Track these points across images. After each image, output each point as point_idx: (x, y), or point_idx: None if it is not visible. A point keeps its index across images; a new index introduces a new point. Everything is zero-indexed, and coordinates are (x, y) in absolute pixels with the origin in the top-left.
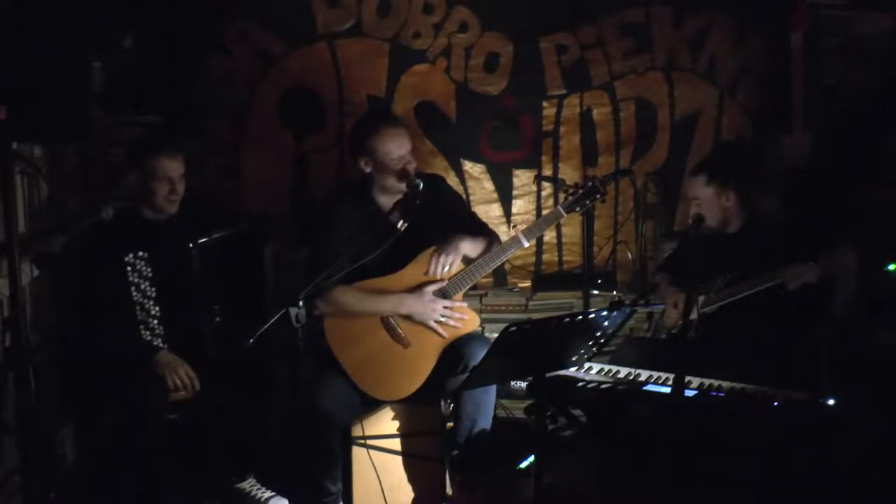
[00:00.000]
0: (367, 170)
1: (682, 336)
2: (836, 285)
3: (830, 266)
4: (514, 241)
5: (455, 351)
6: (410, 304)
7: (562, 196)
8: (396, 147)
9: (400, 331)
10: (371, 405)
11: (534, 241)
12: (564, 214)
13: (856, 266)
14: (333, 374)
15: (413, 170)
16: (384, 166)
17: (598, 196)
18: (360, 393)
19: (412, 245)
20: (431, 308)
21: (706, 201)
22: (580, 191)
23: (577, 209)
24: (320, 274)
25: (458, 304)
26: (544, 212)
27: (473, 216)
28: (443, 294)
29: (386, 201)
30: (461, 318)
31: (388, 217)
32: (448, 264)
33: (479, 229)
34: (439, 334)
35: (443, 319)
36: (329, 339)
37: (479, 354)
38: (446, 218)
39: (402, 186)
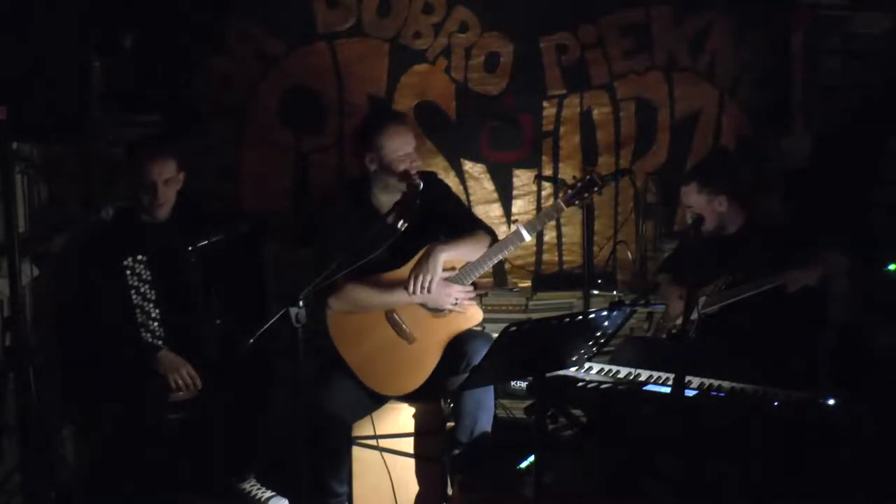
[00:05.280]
0: (373, 167)
1: (682, 336)
2: (831, 286)
3: (825, 269)
4: (516, 234)
5: (458, 349)
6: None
7: (561, 192)
8: (402, 144)
9: (404, 326)
10: (380, 402)
11: (534, 238)
12: (564, 208)
13: (847, 269)
14: (341, 375)
15: (417, 168)
16: (389, 164)
17: (597, 188)
18: (368, 391)
19: (415, 240)
20: (446, 293)
21: (699, 208)
22: (579, 184)
23: (577, 202)
24: (323, 273)
25: (469, 289)
26: None
27: (467, 213)
28: (453, 282)
29: (386, 200)
30: (472, 301)
31: (387, 216)
32: (426, 284)
33: (472, 226)
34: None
35: (456, 305)
36: (333, 336)
37: (481, 352)
38: (439, 215)
39: (403, 186)
